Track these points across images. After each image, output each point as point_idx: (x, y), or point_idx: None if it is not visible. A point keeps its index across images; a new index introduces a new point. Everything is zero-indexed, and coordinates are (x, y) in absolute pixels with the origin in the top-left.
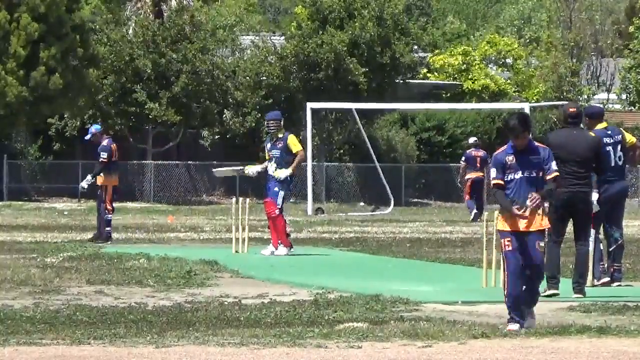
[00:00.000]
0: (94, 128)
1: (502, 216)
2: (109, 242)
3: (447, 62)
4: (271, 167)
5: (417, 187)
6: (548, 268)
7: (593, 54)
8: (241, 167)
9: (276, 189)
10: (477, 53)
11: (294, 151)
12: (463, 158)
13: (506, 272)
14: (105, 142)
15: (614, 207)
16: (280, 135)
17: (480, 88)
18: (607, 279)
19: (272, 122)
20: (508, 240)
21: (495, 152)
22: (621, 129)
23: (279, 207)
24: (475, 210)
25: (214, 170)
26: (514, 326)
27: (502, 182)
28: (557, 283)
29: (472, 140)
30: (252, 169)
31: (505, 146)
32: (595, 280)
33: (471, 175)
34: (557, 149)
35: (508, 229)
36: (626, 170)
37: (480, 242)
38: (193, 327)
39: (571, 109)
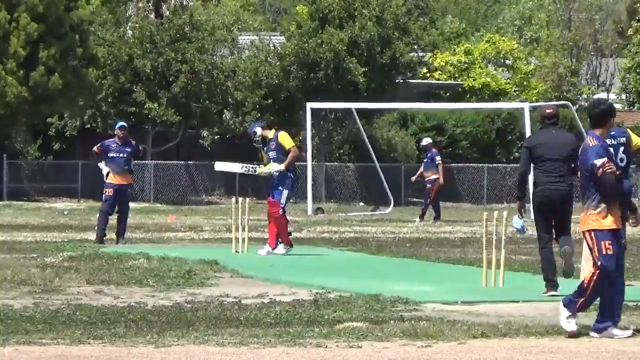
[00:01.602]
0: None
1: (603, 211)
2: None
3: (449, 60)
4: (273, 167)
5: (417, 187)
6: (546, 270)
7: (593, 54)
8: (253, 166)
9: (280, 187)
10: (476, 52)
11: (286, 148)
12: (439, 158)
13: (597, 278)
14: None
15: None
16: (270, 137)
17: (480, 86)
18: None
19: (254, 138)
20: (609, 243)
21: (592, 145)
22: (628, 130)
23: (282, 206)
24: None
25: (216, 163)
26: (629, 332)
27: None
28: (556, 284)
29: (429, 140)
30: (266, 169)
31: (594, 139)
32: None
33: (437, 176)
34: (536, 148)
35: (608, 227)
36: (630, 171)
37: (480, 242)
38: (193, 326)
39: (547, 110)
